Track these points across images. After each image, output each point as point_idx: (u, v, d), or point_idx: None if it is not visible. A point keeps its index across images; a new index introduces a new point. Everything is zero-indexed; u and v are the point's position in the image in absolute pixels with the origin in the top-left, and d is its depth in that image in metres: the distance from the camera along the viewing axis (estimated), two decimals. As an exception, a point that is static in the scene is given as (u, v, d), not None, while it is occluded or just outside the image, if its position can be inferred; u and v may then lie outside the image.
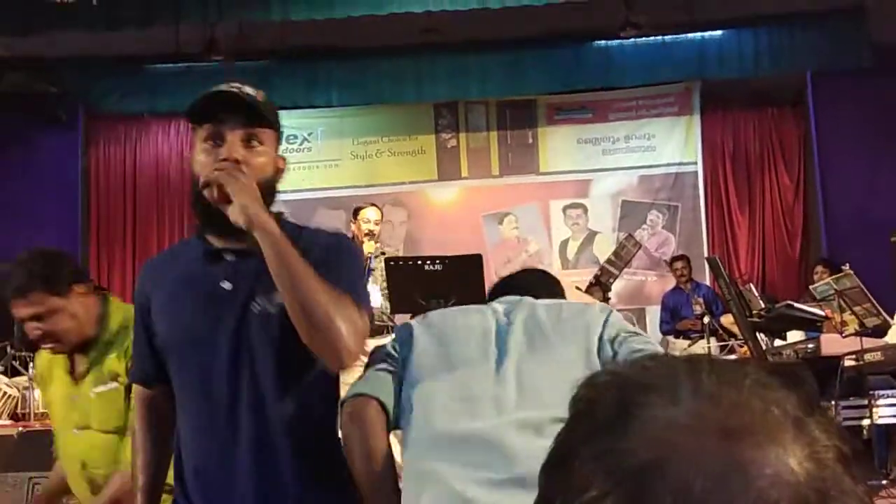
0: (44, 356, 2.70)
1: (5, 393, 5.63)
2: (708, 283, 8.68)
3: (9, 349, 6.33)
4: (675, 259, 8.59)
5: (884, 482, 5.09)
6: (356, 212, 6.02)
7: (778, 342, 6.88)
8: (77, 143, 9.65)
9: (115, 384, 2.51)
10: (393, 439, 1.84)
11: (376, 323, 5.74)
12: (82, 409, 2.54)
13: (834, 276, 6.04)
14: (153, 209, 9.76)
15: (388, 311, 5.64)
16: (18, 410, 5.75)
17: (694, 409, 0.57)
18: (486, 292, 2.35)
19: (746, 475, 0.54)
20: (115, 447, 2.48)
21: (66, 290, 2.48)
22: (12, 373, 6.15)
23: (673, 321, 8.44)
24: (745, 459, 0.55)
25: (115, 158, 9.87)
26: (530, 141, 9.76)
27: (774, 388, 0.59)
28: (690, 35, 8.81)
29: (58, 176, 9.40)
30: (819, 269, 7.76)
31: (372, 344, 6.28)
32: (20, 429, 5.09)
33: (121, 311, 2.57)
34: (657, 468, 0.55)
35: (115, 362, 2.52)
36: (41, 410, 5.81)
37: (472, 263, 4.85)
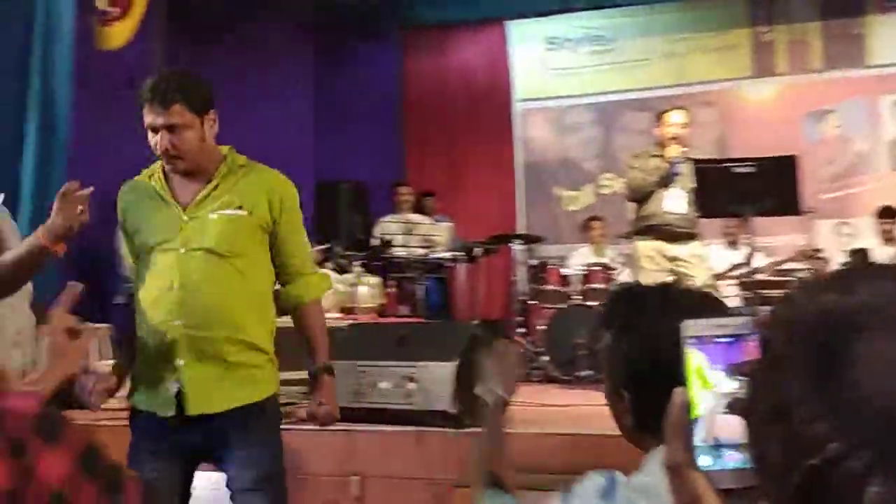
0: None
1: (336, 289, 6.13)
2: None
3: (337, 249, 6.87)
4: None
5: None
6: (660, 115, 5.85)
7: None
8: (395, 54, 10.10)
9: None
10: None
11: (681, 230, 5.61)
12: None
13: None
14: (464, 119, 10.04)
15: (696, 216, 5.49)
16: (347, 304, 6.24)
17: None
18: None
19: None
20: None
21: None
22: (341, 271, 6.67)
23: None
24: None
25: (428, 68, 10.22)
26: (857, 31, 8.93)
27: None
28: None
29: (377, 88, 9.88)
30: None
31: (671, 250, 6.06)
32: (350, 321, 5.54)
33: None
34: None
35: None
36: (365, 305, 6.29)
37: (786, 165, 4.59)
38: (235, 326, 2.60)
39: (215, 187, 2.64)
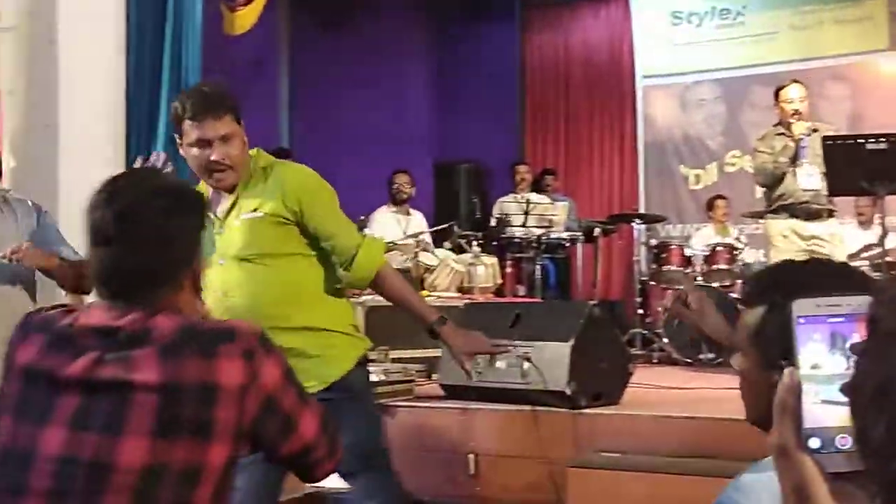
0: None
1: (453, 269, 6.18)
2: None
3: (455, 229, 6.91)
4: None
5: None
6: (776, 93, 5.65)
7: None
8: (514, 32, 10.05)
9: None
10: None
11: (818, 206, 5.44)
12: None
13: None
14: (584, 97, 9.92)
15: (826, 192, 5.31)
16: (464, 284, 6.29)
17: None
18: None
19: None
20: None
21: None
22: (459, 250, 6.72)
23: None
24: None
25: (548, 46, 10.14)
26: None
27: None
28: None
29: (496, 67, 9.87)
30: None
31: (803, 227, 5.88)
32: (466, 300, 5.58)
33: None
34: None
35: None
36: (482, 285, 6.32)
37: (924, 141, 4.37)
38: (276, 317, 2.57)
39: (238, 196, 2.69)
